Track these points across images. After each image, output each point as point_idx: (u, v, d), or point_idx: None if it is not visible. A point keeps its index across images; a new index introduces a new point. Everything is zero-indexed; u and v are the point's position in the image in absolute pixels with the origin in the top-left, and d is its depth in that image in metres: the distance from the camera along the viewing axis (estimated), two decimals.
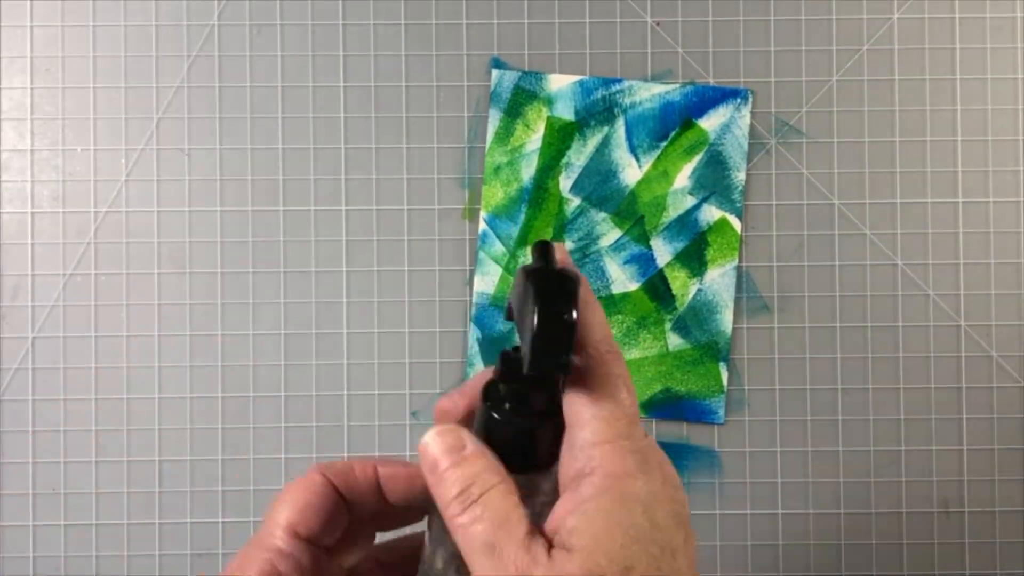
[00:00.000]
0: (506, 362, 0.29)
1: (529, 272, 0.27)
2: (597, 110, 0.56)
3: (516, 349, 0.29)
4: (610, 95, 0.56)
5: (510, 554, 0.26)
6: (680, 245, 0.56)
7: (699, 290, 0.56)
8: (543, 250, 0.28)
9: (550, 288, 0.26)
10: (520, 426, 0.29)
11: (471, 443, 0.29)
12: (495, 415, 0.29)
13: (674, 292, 0.56)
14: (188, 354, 0.56)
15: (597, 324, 0.29)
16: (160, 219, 0.56)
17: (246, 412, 0.56)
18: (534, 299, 0.26)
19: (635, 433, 0.28)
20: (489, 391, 0.29)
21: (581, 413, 0.28)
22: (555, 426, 0.29)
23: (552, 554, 0.26)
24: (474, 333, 0.56)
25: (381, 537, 0.34)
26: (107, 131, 0.56)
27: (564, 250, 0.30)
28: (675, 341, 0.56)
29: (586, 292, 0.28)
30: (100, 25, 0.57)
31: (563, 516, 0.27)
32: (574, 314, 0.26)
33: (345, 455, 0.56)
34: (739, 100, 0.56)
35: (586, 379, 0.28)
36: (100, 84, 0.57)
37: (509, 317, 0.30)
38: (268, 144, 0.56)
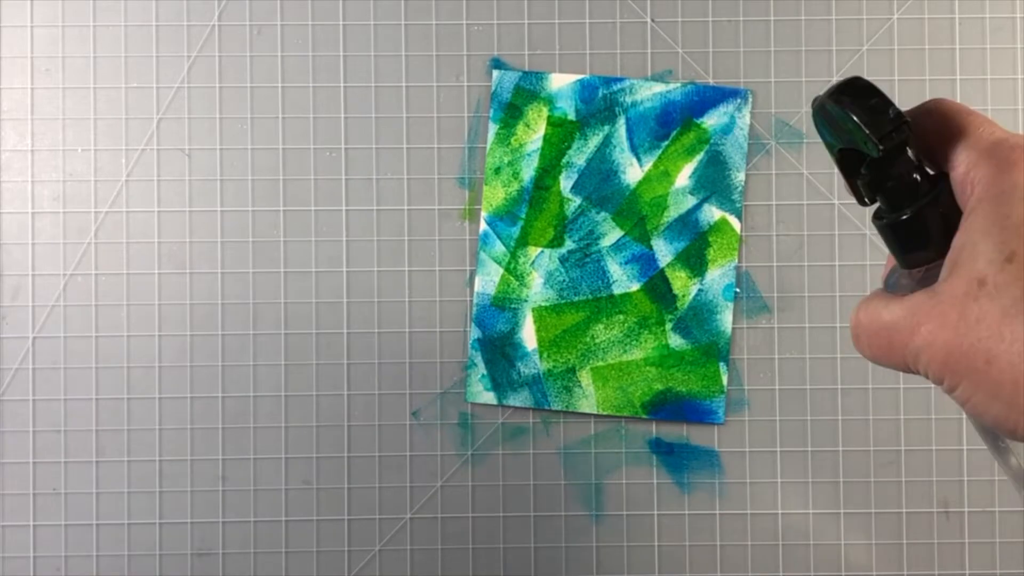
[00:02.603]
0: (864, 178, 0.29)
1: (828, 94, 0.29)
2: (598, 109, 0.56)
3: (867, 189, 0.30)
4: (611, 94, 0.56)
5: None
6: (681, 245, 0.56)
7: (699, 290, 0.56)
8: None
9: (842, 85, 0.29)
10: (893, 221, 0.29)
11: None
12: (878, 223, 0.29)
13: (675, 292, 0.56)
14: (188, 354, 0.56)
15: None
16: (160, 219, 0.56)
17: (246, 412, 0.56)
18: (840, 95, 0.28)
19: (1005, 134, 0.28)
20: (874, 215, 0.30)
21: (945, 148, 0.28)
22: (941, 201, 0.28)
23: (939, 283, 0.26)
24: (474, 333, 0.56)
25: None
26: (107, 131, 0.56)
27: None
28: (676, 341, 0.56)
29: None
30: (100, 25, 0.57)
31: (953, 242, 0.26)
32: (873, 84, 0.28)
33: (345, 455, 0.56)
34: (739, 100, 0.56)
35: (939, 128, 0.28)
36: (100, 84, 0.57)
37: (846, 170, 0.30)
38: (268, 144, 0.56)
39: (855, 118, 0.28)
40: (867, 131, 0.27)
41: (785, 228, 0.56)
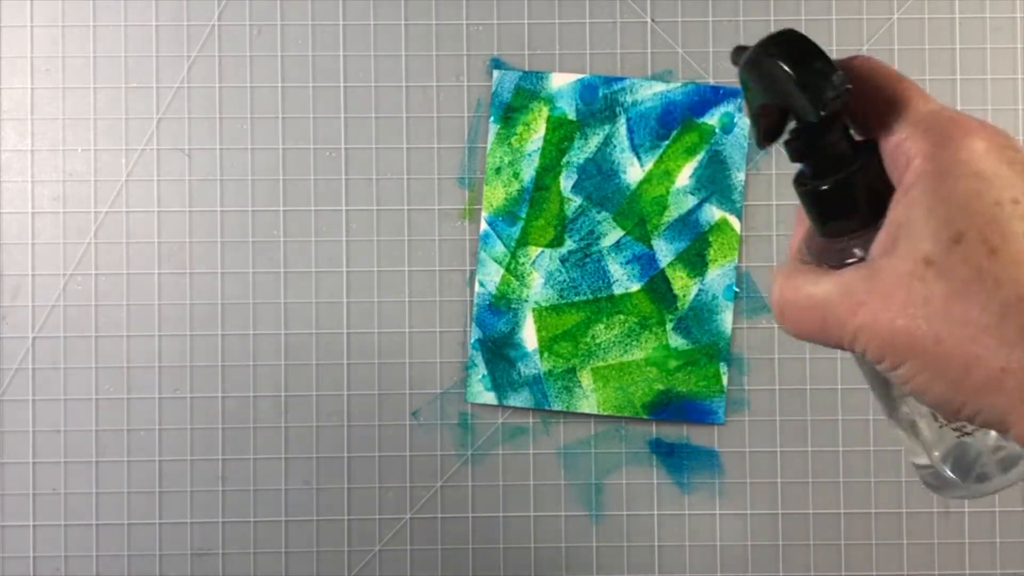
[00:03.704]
0: (792, 142, 0.28)
1: (763, 48, 0.27)
2: (598, 109, 0.56)
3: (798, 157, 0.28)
4: (611, 94, 0.56)
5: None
6: (682, 245, 0.56)
7: (700, 290, 0.56)
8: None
9: (781, 39, 0.27)
10: (816, 187, 0.27)
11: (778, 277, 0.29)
12: (801, 188, 0.28)
13: (675, 292, 0.56)
14: (188, 354, 0.56)
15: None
16: (160, 219, 0.56)
17: (246, 412, 0.56)
18: (779, 51, 0.26)
19: (939, 105, 0.26)
20: (796, 179, 0.29)
21: (878, 115, 0.27)
22: (870, 170, 0.27)
23: (877, 259, 0.25)
24: (474, 333, 0.56)
25: None
26: (107, 131, 0.56)
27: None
28: (676, 341, 0.56)
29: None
30: (100, 25, 0.57)
31: (890, 217, 0.25)
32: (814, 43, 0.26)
33: (345, 455, 0.56)
34: (739, 100, 0.56)
35: (872, 95, 0.27)
36: (100, 84, 0.57)
37: (758, 120, 0.28)
38: (268, 144, 0.56)
39: (796, 79, 0.26)
40: (808, 95, 0.26)
41: (785, 228, 0.56)
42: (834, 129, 0.27)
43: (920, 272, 0.24)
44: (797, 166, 0.29)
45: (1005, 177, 0.24)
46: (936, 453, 0.29)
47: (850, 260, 0.27)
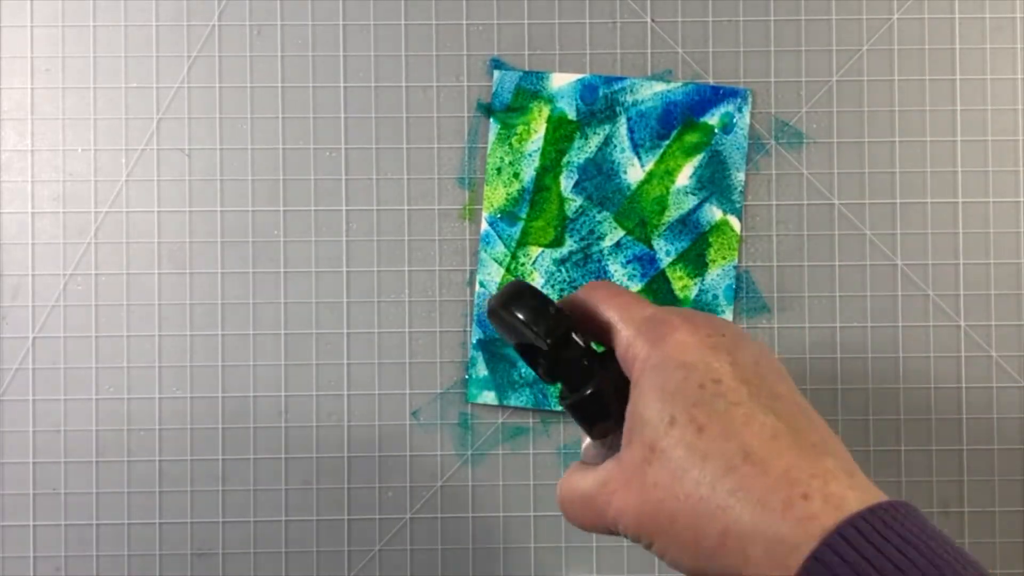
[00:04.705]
0: (541, 367, 0.34)
1: (497, 301, 0.33)
2: (599, 109, 0.56)
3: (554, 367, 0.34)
4: (612, 93, 0.56)
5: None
6: (682, 245, 0.56)
7: (700, 291, 0.56)
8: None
9: (508, 291, 0.33)
10: (575, 400, 0.32)
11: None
12: (563, 403, 0.33)
13: (676, 293, 0.56)
14: (188, 354, 0.56)
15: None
16: (160, 219, 0.56)
17: (246, 412, 0.56)
18: (507, 301, 0.33)
19: (652, 309, 0.31)
20: (559, 395, 0.34)
21: (606, 331, 0.32)
22: (611, 376, 0.32)
23: (621, 451, 0.29)
24: (475, 333, 0.56)
25: None
26: (107, 131, 0.56)
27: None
28: None
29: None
30: (100, 25, 0.57)
31: (627, 411, 0.29)
32: (528, 285, 0.33)
33: (345, 455, 0.56)
34: (739, 100, 0.56)
35: (595, 314, 0.32)
36: (100, 84, 0.57)
37: (525, 357, 0.35)
38: (268, 144, 0.56)
39: (521, 318, 0.32)
40: (533, 329, 0.31)
41: (785, 228, 0.56)
42: (570, 348, 0.32)
43: (649, 457, 0.27)
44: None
45: (707, 362, 0.28)
46: None
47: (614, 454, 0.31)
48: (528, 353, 0.34)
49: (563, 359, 0.32)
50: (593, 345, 0.33)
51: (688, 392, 0.27)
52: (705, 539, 0.26)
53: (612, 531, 0.30)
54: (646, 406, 0.28)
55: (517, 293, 0.33)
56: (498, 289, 0.35)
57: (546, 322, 0.31)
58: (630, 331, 0.30)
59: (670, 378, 0.28)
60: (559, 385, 0.34)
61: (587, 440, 0.34)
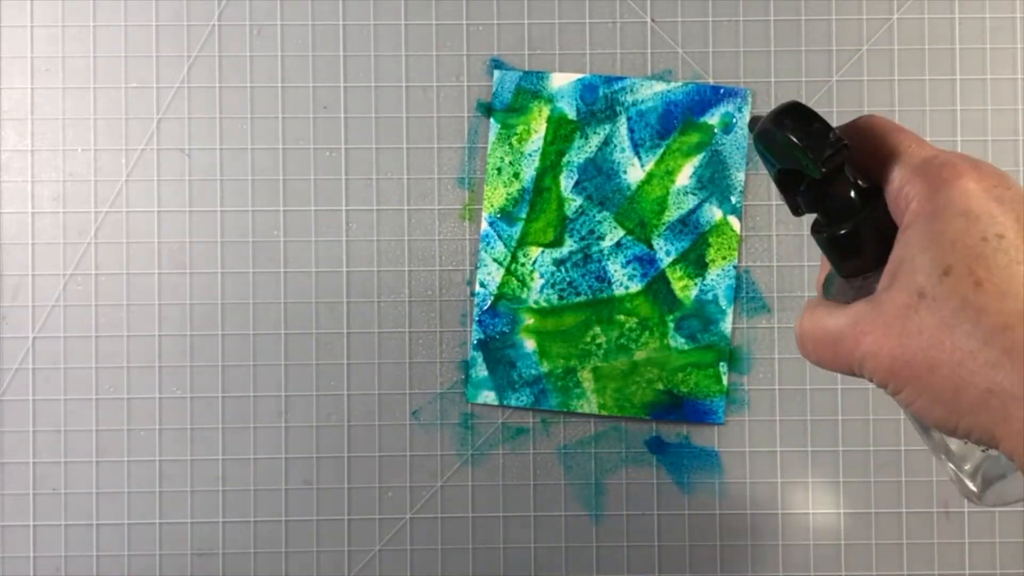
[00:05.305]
0: (804, 195, 0.31)
1: (770, 119, 0.31)
2: (599, 108, 0.56)
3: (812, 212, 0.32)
4: (612, 93, 0.56)
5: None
6: (682, 245, 0.56)
7: (700, 291, 0.56)
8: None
9: (784, 110, 0.31)
10: (833, 234, 0.31)
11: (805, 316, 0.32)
12: (818, 235, 0.31)
13: (676, 293, 0.56)
14: (188, 354, 0.56)
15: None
16: (160, 219, 0.56)
17: (246, 412, 0.56)
18: (783, 120, 0.30)
19: (934, 151, 0.29)
20: (813, 226, 0.32)
21: (879, 166, 0.30)
22: (875, 215, 0.30)
23: (879, 293, 0.28)
24: (475, 333, 0.56)
25: None
26: (107, 131, 0.56)
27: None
28: (676, 341, 0.56)
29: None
30: (100, 25, 0.57)
31: (892, 255, 0.28)
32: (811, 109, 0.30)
33: (345, 455, 0.56)
34: (739, 100, 0.56)
35: (873, 148, 0.31)
36: (100, 84, 0.57)
37: (784, 185, 0.32)
38: (268, 144, 0.56)
39: (798, 142, 0.29)
40: (810, 155, 0.29)
41: (785, 228, 0.56)
42: (839, 182, 0.30)
43: (915, 304, 0.27)
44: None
45: (992, 214, 0.27)
46: (967, 467, 0.32)
47: (865, 295, 0.30)
48: (787, 178, 0.32)
49: (829, 191, 0.31)
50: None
51: (969, 243, 0.26)
52: (966, 393, 0.26)
53: (854, 372, 0.29)
54: (920, 251, 0.27)
55: (794, 112, 0.30)
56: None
57: (824, 148, 0.29)
58: (907, 170, 0.29)
59: (950, 226, 0.27)
60: (805, 218, 0.32)
61: (826, 272, 0.33)
